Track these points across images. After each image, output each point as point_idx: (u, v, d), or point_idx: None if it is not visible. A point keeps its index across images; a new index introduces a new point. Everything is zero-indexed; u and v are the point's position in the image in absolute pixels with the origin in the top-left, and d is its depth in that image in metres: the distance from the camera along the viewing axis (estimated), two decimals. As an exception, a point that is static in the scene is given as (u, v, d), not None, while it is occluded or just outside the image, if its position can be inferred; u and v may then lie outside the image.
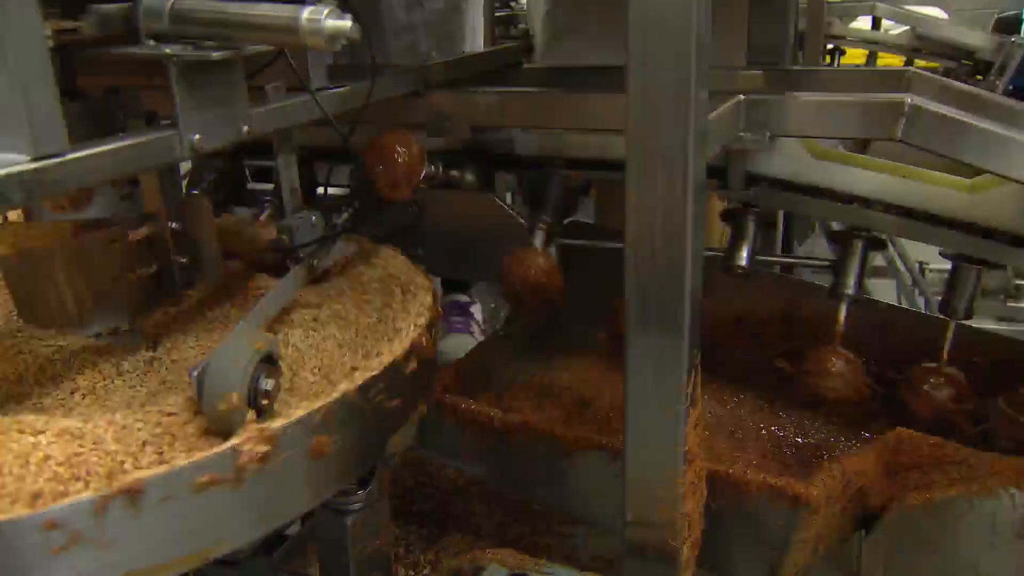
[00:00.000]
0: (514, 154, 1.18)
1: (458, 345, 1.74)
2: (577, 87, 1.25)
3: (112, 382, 0.90)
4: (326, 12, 0.69)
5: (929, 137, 0.88)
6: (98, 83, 0.90)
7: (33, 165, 0.62)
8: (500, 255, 1.17)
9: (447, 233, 1.19)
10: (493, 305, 2.03)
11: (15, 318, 1.01)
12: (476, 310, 1.91)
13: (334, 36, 0.70)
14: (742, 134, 0.99)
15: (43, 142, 0.63)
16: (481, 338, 1.86)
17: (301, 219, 0.92)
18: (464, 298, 1.93)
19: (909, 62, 2.66)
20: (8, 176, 0.61)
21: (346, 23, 0.70)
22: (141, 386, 0.90)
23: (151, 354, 0.95)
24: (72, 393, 0.88)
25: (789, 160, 1.06)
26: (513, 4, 2.60)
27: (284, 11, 0.70)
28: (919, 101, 0.89)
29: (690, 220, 0.78)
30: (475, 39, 1.60)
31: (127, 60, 0.78)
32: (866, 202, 1.06)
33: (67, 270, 0.98)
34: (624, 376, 0.83)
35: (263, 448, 0.68)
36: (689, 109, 0.75)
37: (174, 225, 1.06)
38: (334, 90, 0.92)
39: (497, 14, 1.81)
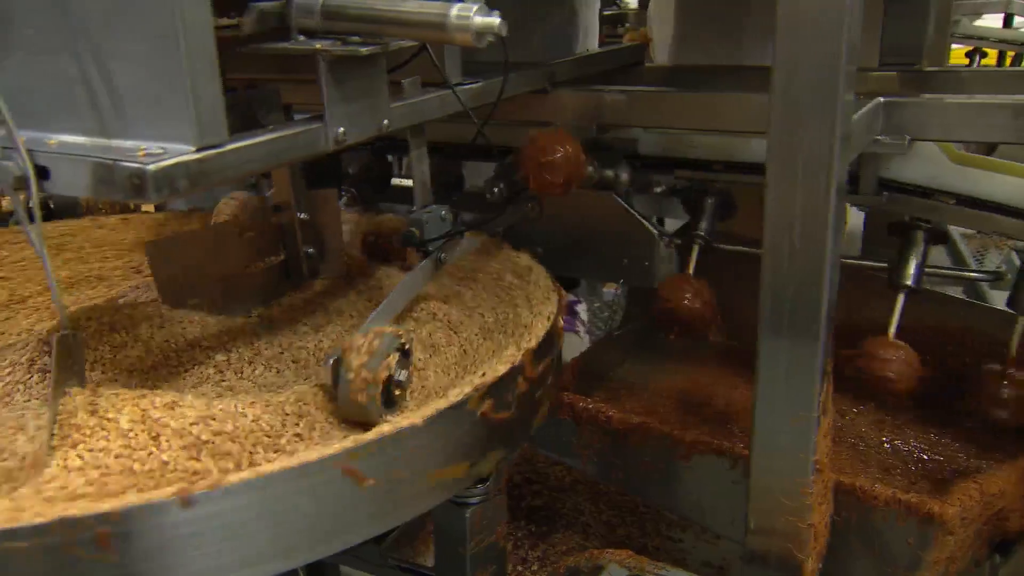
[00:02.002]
0: (637, 154, 1.17)
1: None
2: (697, 87, 1.23)
3: (241, 366, 0.94)
4: (475, 8, 0.70)
5: (1091, 142, 0.84)
6: (236, 77, 0.93)
7: (198, 155, 0.65)
8: (619, 254, 1.16)
9: (564, 231, 1.19)
10: (597, 304, 2.03)
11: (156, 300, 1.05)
12: (582, 309, 1.91)
13: (482, 32, 0.71)
14: (879, 137, 0.95)
15: (207, 133, 0.66)
16: (586, 337, 1.86)
17: (431, 213, 0.93)
18: (571, 297, 1.93)
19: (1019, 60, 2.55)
20: (176, 165, 0.63)
21: (495, 20, 0.70)
22: (268, 371, 0.93)
23: (277, 340, 0.98)
24: (204, 377, 0.92)
25: (926, 165, 1.02)
26: (619, 3, 2.58)
27: (433, 7, 0.71)
28: (1079, 104, 0.84)
29: (831, 224, 0.76)
30: (589, 39, 1.59)
31: (272, 55, 0.80)
32: (1008, 209, 1.01)
33: (202, 256, 1.02)
34: (754, 381, 0.81)
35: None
36: (836, 111, 0.73)
37: (302, 216, 1.09)
38: (468, 85, 0.93)
39: (604, 12, 1.80)
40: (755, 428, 0.82)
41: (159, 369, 0.90)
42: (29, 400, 0.79)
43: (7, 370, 0.83)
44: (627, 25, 2.33)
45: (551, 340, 0.88)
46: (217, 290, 1.03)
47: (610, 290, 2.44)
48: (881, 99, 0.94)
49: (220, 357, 0.93)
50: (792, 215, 0.77)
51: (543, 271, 1.02)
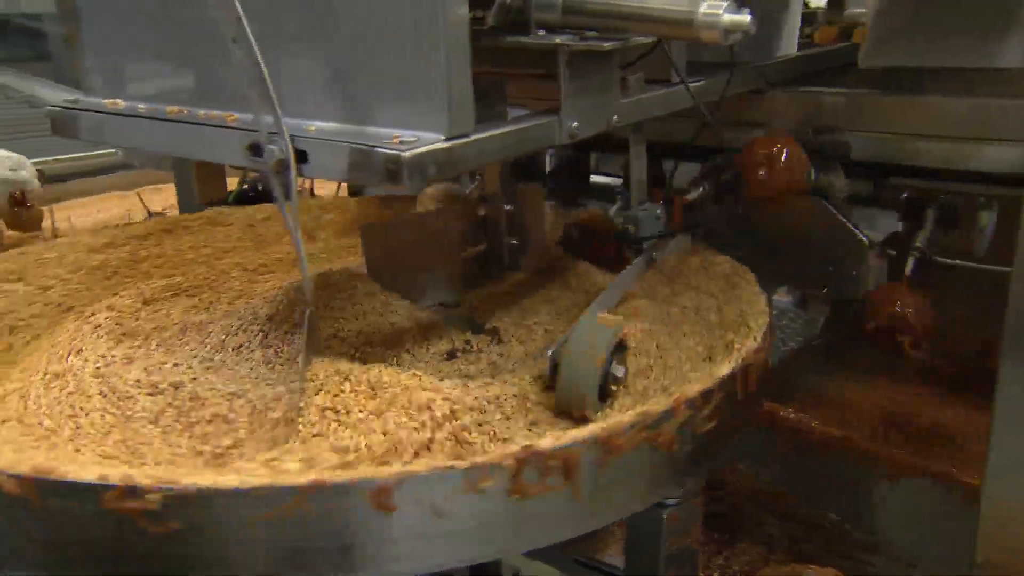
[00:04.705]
0: (849, 158, 1.12)
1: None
2: (917, 90, 1.17)
3: (448, 351, 0.96)
4: (725, 5, 0.69)
5: None
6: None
7: (448, 144, 0.67)
8: (824, 262, 1.12)
9: (764, 235, 1.16)
10: (775, 312, 1.96)
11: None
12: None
13: (730, 30, 0.69)
14: None
15: (457, 123, 0.68)
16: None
17: (646, 211, 0.93)
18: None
19: None
20: (429, 152, 0.66)
21: (745, 17, 0.69)
22: (475, 358, 0.95)
23: (483, 327, 1.00)
24: (413, 359, 0.94)
25: None
26: (807, 3, 2.49)
27: (680, 4, 0.71)
28: None
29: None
30: (790, 41, 1.55)
31: (512, 49, 0.81)
32: None
33: (411, 241, 1.06)
34: (993, 406, 0.76)
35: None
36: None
37: (508, 208, 1.11)
38: (693, 83, 0.92)
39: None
40: (992, 456, 0.77)
41: (373, 347, 0.93)
42: (272, 365, 0.84)
43: (243, 336, 0.89)
44: (817, 23, 2.25)
45: (764, 346, 0.86)
46: (423, 275, 1.06)
47: (782, 298, 2.36)
48: None
49: (428, 341, 0.96)
50: (1050, 231, 0.72)
51: (749, 275, 1.00)
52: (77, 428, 0.75)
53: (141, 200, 1.74)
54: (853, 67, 1.30)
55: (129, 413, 0.77)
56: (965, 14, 1.30)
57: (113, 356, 0.87)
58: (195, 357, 0.90)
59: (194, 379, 0.84)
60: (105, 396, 0.79)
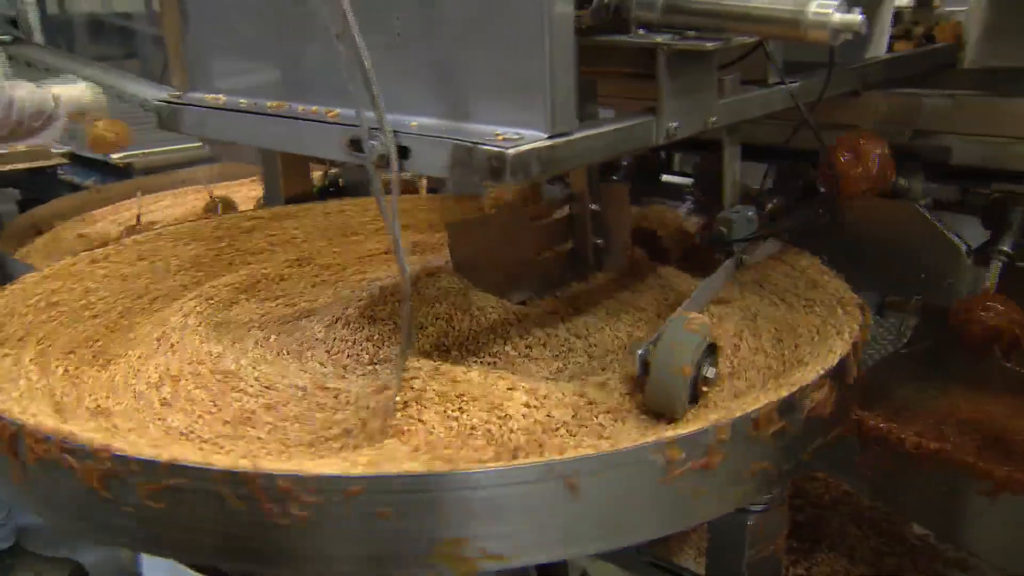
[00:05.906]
0: (949, 163, 1.09)
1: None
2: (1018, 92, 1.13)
3: (537, 350, 0.96)
4: (835, 4, 0.68)
5: None
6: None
7: (550, 142, 0.67)
8: (916, 268, 1.09)
9: (859, 240, 1.13)
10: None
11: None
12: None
13: (840, 30, 0.68)
14: None
15: (560, 121, 0.68)
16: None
17: (739, 213, 0.91)
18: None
19: None
20: (532, 150, 0.66)
21: (856, 17, 0.68)
22: (563, 357, 0.95)
23: (570, 327, 1.00)
24: (499, 357, 0.94)
25: None
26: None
27: (787, 4, 0.70)
28: None
29: None
30: (881, 42, 1.52)
31: (606, 48, 0.81)
32: None
33: (497, 239, 1.06)
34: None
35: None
36: None
37: (594, 207, 1.10)
38: (791, 85, 0.90)
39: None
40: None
41: (461, 343, 0.94)
42: (368, 360, 0.86)
43: (339, 330, 0.90)
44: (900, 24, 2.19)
45: (856, 351, 0.84)
46: (509, 273, 1.07)
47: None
48: None
49: (515, 338, 0.96)
50: None
51: (838, 279, 0.97)
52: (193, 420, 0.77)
53: (210, 196, 1.79)
54: (951, 68, 1.27)
55: (233, 405, 0.79)
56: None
57: (209, 349, 0.90)
58: (293, 351, 0.91)
59: (292, 372, 0.86)
60: (208, 388, 0.81)
